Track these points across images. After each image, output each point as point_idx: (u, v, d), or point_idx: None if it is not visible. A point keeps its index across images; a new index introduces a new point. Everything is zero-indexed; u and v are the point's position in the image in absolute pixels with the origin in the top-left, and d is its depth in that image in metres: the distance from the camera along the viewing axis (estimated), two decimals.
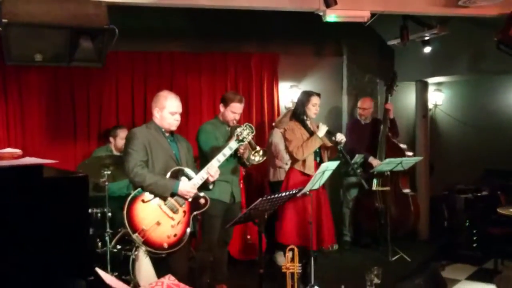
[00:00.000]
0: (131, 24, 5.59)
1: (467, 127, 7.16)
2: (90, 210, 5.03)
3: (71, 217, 2.06)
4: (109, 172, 4.88)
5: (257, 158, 4.00)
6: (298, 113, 4.82)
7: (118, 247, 4.98)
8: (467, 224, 6.36)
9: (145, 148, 3.58)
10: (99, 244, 4.98)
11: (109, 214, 4.91)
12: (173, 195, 3.55)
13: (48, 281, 2.01)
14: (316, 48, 6.92)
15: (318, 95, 4.91)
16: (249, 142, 3.97)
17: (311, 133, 4.78)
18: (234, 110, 4.37)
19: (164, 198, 3.52)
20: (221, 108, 4.45)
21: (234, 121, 4.38)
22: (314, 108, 4.82)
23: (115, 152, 5.41)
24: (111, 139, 5.55)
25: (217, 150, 3.91)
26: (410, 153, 6.13)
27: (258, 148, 4.06)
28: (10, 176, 1.91)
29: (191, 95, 6.18)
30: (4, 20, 3.35)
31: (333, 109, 7.07)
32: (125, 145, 3.65)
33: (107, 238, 4.82)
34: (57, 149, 5.58)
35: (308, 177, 4.59)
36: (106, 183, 4.89)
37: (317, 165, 4.79)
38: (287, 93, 6.68)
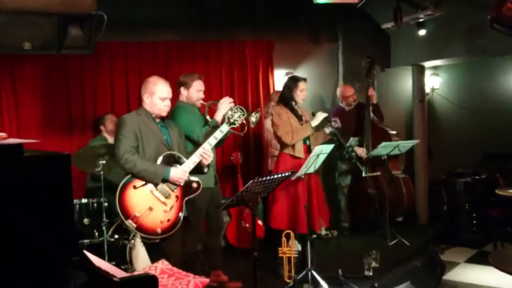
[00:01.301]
0: (124, 14, 5.58)
1: (465, 110, 7.12)
2: (86, 200, 5.05)
3: (53, 195, 2.04)
4: (104, 162, 4.89)
5: (254, 118, 4.00)
6: (286, 99, 4.80)
7: (116, 236, 4.99)
8: (467, 207, 6.35)
9: (135, 134, 3.57)
10: (96, 234, 4.99)
11: (106, 204, 4.92)
12: (164, 180, 3.53)
13: (30, 261, 2.00)
14: (311, 34, 6.87)
15: (305, 80, 4.91)
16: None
17: (300, 118, 4.78)
18: (198, 88, 4.34)
19: (155, 184, 3.51)
20: (183, 91, 4.38)
21: (201, 100, 4.34)
22: (302, 93, 4.82)
23: (109, 140, 5.42)
24: (102, 127, 5.61)
25: (204, 129, 3.91)
26: (397, 138, 6.08)
27: (251, 112, 4.06)
28: None
29: None
30: None
31: (329, 95, 7.03)
32: (116, 132, 3.65)
33: (103, 227, 4.84)
34: (53, 141, 5.57)
35: (299, 160, 4.60)
36: (101, 173, 4.89)
37: (307, 148, 4.81)
38: (283, 80, 6.58)
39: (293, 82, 4.86)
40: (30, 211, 2.01)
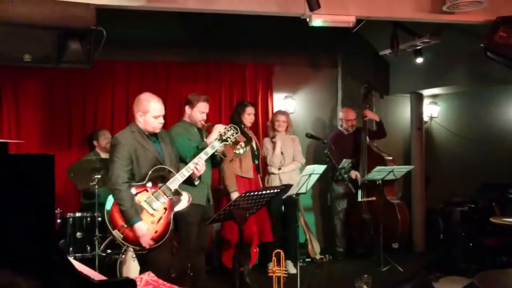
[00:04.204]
0: (126, 34, 5.72)
1: (463, 140, 7.13)
2: (80, 214, 5.09)
3: (36, 193, 2.09)
4: (99, 176, 4.94)
5: (241, 150, 4.04)
6: (235, 123, 5.01)
7: (108, 251, 5.00)
8: (463, 236, 6.30)
9: (130, 156, 3.57)
10: (88, 248, 5.01)
11: (99, 219, 4.95)
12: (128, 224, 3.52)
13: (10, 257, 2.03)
14: (311, 59, 6.98)
15: (253, 105, 5.41)
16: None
17: (250, 142, 5.17)
18: (202, 110, 4.42)
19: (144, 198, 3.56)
20: (187, 110, 4.47)
21: (202, 121, 4.41)
22: (249, 117, 5.25)
23: (102, 155, 5.48)
24: (95, 142, 5.70)
25: (193, 150, 3.96)
26: (392, 164, 6.10)
27: (240, 141, 4.08)
28: None
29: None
30: None
31: (327, 120, 7.09)
32: (110, 152, 3.64)
33: (96, 242, 4.86)
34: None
35: (248, 179, 5.02)
36: (96, 187, 4.94)
37: (256, 167, 5.25)
38: (282, 104, 6.73)
39: (241, 106, 5.30)
40: (12, 207, 2.05)
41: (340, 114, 6.53)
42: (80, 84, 5.91)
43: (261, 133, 6.47)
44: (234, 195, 4.98)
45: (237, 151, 4.00)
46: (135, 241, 3.47)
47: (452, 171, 7.21)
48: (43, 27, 3.62)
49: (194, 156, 3.75)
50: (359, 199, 5.96)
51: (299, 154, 5.93)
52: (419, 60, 6.10)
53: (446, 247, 6.49)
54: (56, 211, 4.85)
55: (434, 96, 7.41)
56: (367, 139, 6.16)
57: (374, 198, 5.91)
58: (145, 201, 3.55)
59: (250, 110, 5.26)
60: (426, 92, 7.04)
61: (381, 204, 5.90)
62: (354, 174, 6.01)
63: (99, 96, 6.02)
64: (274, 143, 5.74)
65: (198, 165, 3.68)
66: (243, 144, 4.02)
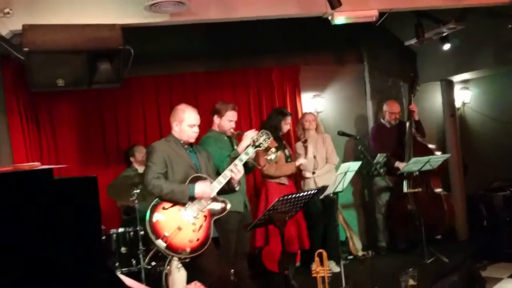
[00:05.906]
0: (152, 49, 5.81)
1: (498, 123, 6.97)
2: (123, 230, 5.18)
3: (82, 215, 2.16)
4: (138, 191, 5.03)
5: (272, 156, 4.06)
6: (273, 128, 5.12)
7: (153, 263, 5.08)
8: (507, 221, 6.17)
9: (164, 160, 3.69)
10: (134, 262, 5.10)
11: (142, 232, 5.04)
12: (192, 199, 3.63)
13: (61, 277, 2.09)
14: (336, 56, 6.96)
15: (291, 115, 5.60)
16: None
17: (283, 147, 5.29)
18: (230, 118, 4.44)
19: (183, 204, 3.60)
20: (216, 119, 4.50)
21: (232, 130, 4.43)
22: (286, 126, 5.39)
23: (140, 170, 5.56)
24: (131, 158, 5.80)
25: (225, 160, 4.00)
26: (439, 153, 6.02)
27: (270, 147, 4.11)
28: (19, 179, 2.03)
29: None
30: (25, 49, 3.58)
31: (358, 115, 7.04)
32: (146, 158, 3.79)
33: (140, 255, 4.94)
34: (90, 173, 5.78)
35: (284, 186, 5.11)
36: (136, 202, 5.03)
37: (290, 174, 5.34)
38: (310, 103, 6.72)
39: (282, 115, 5.39)
40: (62, 230, 2.12)
41: (384, 107, 6.45)
42: (112, 103, 6.05)
43: (293, 136, 6.45)
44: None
45: (269, 157, 4.02)
46: (178, 250, 3.53)
47: (490, 156, 7.06)
48: (72, 51, 3.74)
49: (227, 165, 3.80)
50: (405, 190, 5.87)
51: (332, 154, 5.86)
52: (446, 46, 6.00)
53: (490, 233, 6.37)
54: None
55: (465, 81, 7.28)
56: (413, 129, 6.07)
57: (420, 190, 5.81)
58: (186, 209, 3.61)
59: (289, 120, 5.45)
60: (456, 78, 6.91)
61: (427, 196, 5.83)
62: (401, 165, 5.90)
63: (131, 112, 6.14)
64: (306, 148, 5.69)
65: (237, 169, 3.72)
66: (273, 150, 4.03)
